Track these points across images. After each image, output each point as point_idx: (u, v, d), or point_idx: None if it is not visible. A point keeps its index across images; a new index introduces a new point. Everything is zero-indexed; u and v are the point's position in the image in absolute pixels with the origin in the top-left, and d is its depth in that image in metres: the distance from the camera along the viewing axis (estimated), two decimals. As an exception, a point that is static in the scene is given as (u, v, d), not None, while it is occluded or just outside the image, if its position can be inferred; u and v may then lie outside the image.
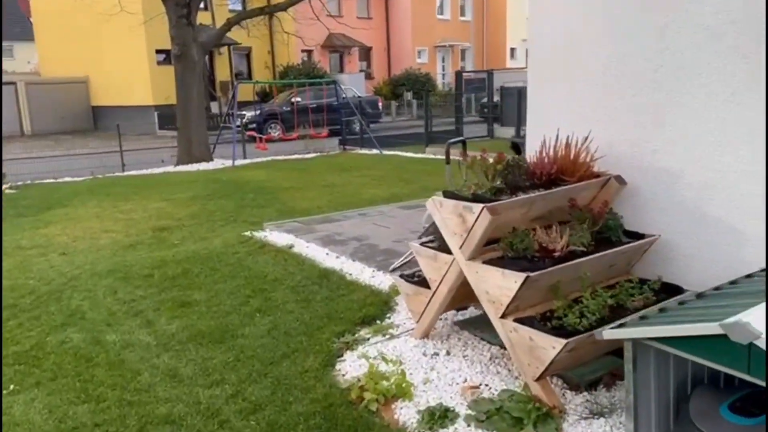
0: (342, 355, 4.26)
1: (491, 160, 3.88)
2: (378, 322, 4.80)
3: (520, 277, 3.38)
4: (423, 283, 4.22)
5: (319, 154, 17.37)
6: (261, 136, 16.45)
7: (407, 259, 5.97)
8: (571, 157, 4.06)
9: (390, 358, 4.09)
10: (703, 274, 3.82)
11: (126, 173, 15.08)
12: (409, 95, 31.70)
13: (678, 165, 3.86)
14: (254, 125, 20.15)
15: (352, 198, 10.26)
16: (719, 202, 3.70)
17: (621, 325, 2.95)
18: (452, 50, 40.43)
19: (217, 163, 15.78)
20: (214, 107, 27.82)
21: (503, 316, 3.57)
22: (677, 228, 3.92)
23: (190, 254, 6.85)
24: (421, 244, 4.24)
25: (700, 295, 3.12)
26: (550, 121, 4.58)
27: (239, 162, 15.88)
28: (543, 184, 3.99)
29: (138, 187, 12.35)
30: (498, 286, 3.53)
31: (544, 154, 4.08)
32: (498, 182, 3.92)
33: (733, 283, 3.24)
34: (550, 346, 3.26)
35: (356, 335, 4.54)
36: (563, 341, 3.20)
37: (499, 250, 3.70)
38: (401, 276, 4.45)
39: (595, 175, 4.12)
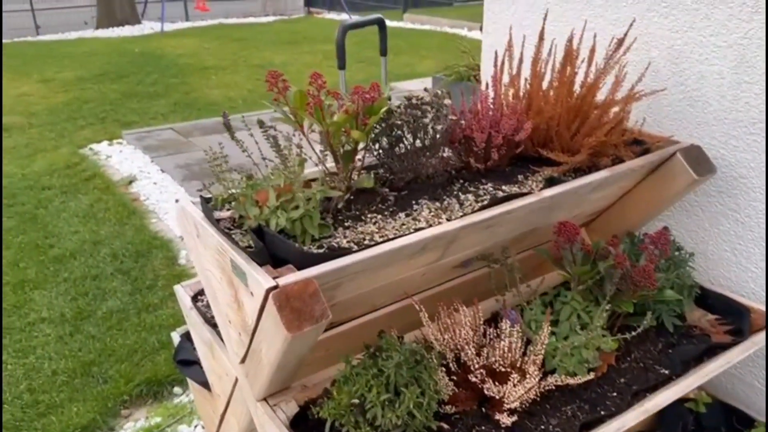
0: None
1: (348, 102, 1.32)
2: (175, 392, 2.47)
3: None
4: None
5: (279, 17, 14.27)
6: (199, -7, 13.22)
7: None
8: (576, 90, 1.51)
9: None
10: None
11: (39, 38, 12.10)
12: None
13: None
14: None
15: (283, 86, 7.57)
16: None
17: None
18: None
19: (145, 27, 12.77)
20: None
21: None
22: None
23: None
24: (195, 299, 1.77)
25: None
26: (533, -9, 1.96)
27: (174, 26, 12.87)
28: (496, 167, 1.49)
29: (30, 58, 9.56)
30: None
31: (500, 89, 1.53)
32: (362, 174, 1.41)
33: None
34: None
35: (106, 440, 2.23)
36: None
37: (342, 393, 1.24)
38: (183, 338, 2.02)
39: (632, 140, 1.58)
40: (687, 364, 1.38)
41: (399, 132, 1.35)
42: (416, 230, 1.25)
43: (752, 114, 1.53)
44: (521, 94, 1.56)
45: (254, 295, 1.13)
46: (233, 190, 1.33)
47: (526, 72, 1.59)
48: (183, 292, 1.76)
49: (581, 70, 1.54)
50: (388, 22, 13.00)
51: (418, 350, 1.16)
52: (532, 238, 1.55)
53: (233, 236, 1.23)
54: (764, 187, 1.54)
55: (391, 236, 1.23)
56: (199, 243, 1.36)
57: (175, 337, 2.02)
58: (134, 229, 3.75)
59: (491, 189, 1.43)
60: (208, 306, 1.70)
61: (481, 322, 1.33)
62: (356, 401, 1.08)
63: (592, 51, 1.55)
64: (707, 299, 1.58)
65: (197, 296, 1.75)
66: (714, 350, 1.42)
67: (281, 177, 1.26)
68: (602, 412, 1.27)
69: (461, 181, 1.47)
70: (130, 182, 4.42)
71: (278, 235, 1.16)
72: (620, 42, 1.49)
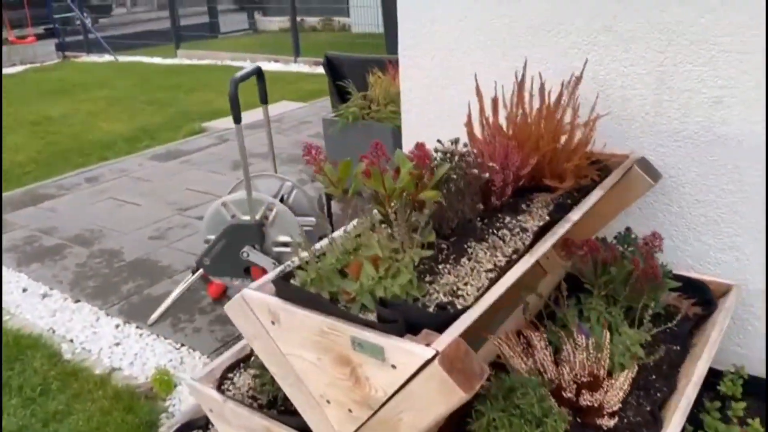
0: None
1: (403, 173, 1.36)
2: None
3: None
4: None
5: (30, 66, 12.83)
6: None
7: (183, 289, 3.31)
8: (555, 122, 1.73)
9: None
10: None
11: None
12: (145, -20, 26.19)
13: (778, 132, 1.75)
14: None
15: (77, 141, 6.92)
16: None
17: None
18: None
19: None
20: None
21: None
22: None
23: None
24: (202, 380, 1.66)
25: None
26: (460, 27, 2.16)
27: None
28: (508, 203, 1.64)
29: None
30: None
31: (493, 127, 1.69)
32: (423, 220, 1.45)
33: None
34: None
35: None
36: None
37: None
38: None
39: (593, 161, 1.85)
40: (690, 335, 1.68)
41: (452, 185, 1.44)
42: (490, 273, 1.36)
43: (674, 125, 1.89)
44: (508, 131, 1.73)
45: (398, 366, 1.14)
46: (316, 269, 1.30)
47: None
48: (202, 386, 1.63)
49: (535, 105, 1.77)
50: (161, 60, 12.45)
51: (538, 382, 1.27)
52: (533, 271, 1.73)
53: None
54: (691, 183, 1.92)
55: (475, 284, 1.33)
56: (276, 330, 1.31)
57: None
58: (-14, 330, 3.21)
59: (513, 221, 1.58)
60: (245, 395, 1.61)
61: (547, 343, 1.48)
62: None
63: (542, 88, 1.78)
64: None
65: (219, 388, 1.63)
66: (699, 322, 1.73)
67: (375, 247, 1.27)
68: (658, 395, 1.50)
69: (483, 219, 1.60)
70: (-50, 278, 3.75)
71: (408, 302, 1.19)
72: (578, 79, 1.75)
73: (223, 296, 3.38)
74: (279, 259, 3.01)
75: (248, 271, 3.04)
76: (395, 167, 1.42)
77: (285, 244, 3.01)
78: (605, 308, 1.62)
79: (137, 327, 3.17)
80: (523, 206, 1.67)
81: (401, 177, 1.35)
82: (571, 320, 1.58)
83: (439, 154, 1.49)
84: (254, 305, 1.33)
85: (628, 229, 1.87)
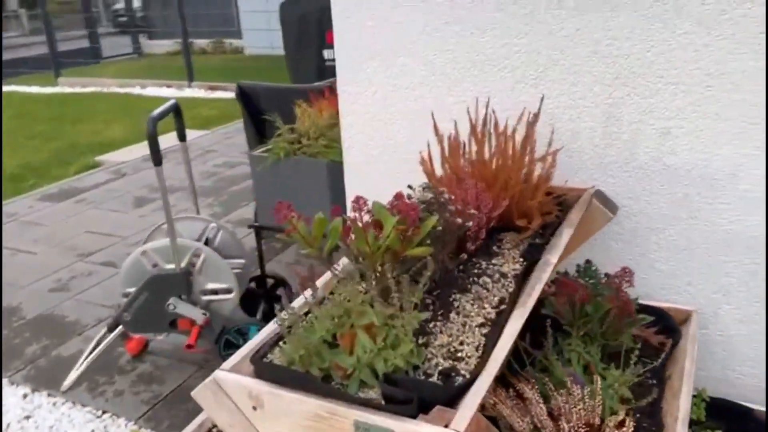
0: None
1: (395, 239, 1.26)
2: None
3: None
4: None
5: None
6: None
7: (100, 349, 3.00)
8: (519, 160, 1.68)
9: None
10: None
11: None
12: (14, 2, 24.47)
13: (733, 160, 1.80)
14: None
15: (-49, 183, 6.25)
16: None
17: None
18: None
19: None
20: None
21: None
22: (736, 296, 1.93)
23: None
24: None
25: None
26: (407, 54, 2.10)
27: None
28: (480, 246, 1.58)
29: None
30: None
31: (456, 169, 1.63)
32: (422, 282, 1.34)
33: None
34: None
35: None
36: None
37: None
38: None
39: (552, 195, 1.83)
40: (662, 367, 1.68)
41: (433, 235, 1.35)
42: (482, 328, 1.28)
43: (624, 156, 1.91)
44: (470, 171, 1.67)
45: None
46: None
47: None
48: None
49: (493, 142, 1.73)
50: (40, 89, 11.59)
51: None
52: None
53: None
54: (642, 212, 1.94)
55: (472, 342, 1.24)
56: (259, 417, 1.16)
57: None
58: None
59: (490, 266, 1.52)
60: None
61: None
62: None
63: (496, 124, 1.74)
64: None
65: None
66: (669, 352, 1.74)
67: (370, 313, 1.15)
68: (647, 435, 1.47)
69: (459, 266, 1.52)
70: None
71: (411, 374, 1.08)
72: (536, 116, 1.72)
73: (143, 352, 3.11)
74: (208, 307, 2.80)
75: (174, 324, 2.80)
76: (374, 220, 1.32)
77: (215, 292, 2.81)
78: (583, 348, 1.58)
79: (49, 395, 2.83)
80: (495, 248, 1.62)
81: (386, 233, 1.25)
82: (556, 365, 1.53)
83: (416, 201, 1.40)
84: (230, 389, 1.17)
85: (588, 261, 1.86)
